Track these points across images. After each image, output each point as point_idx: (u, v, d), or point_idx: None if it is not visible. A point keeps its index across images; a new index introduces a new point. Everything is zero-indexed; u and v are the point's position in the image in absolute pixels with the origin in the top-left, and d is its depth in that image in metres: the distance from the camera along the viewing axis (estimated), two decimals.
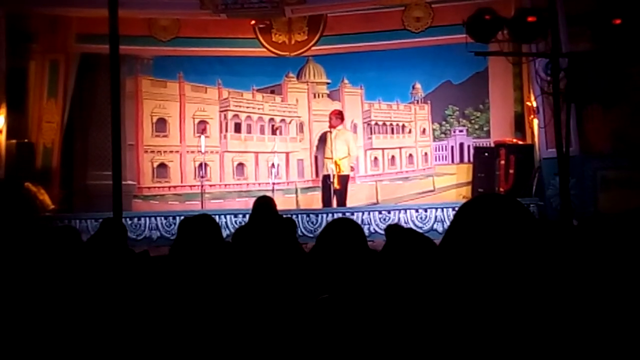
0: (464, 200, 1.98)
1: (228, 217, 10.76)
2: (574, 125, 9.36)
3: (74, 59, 12.70)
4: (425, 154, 13.55)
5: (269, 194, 9.11)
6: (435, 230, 10.42)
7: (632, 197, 9.27)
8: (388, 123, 13.77)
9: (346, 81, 13.62)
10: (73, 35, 12.62)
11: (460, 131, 13.19)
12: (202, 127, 13.30)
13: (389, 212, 10.89)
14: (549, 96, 9.04)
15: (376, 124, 13.71)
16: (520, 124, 12.22)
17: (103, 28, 8.46)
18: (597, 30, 8.50)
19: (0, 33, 11.26)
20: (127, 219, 9.84)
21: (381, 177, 13.61)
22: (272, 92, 13.84)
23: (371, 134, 13.69)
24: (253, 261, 4.62)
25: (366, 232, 9.13)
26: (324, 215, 10.61)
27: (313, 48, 13.26)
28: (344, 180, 11.81)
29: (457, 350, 1.53)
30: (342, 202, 11.72)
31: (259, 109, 13.76)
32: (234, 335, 2.89)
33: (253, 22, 12.90)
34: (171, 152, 13.49)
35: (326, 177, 11.88)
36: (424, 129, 13.56)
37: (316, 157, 13.49)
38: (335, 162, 11.64)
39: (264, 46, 13.24)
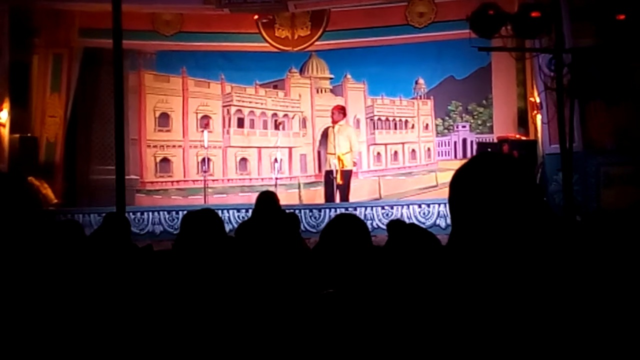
0: None
1: (231, 212, 10.76)
2: (577, 121, 9.34)
3: (77, 54, 12.71)
4: (428, 149, 13.54)
5: (271, 189, 9.11)
6: (438, 225, 10.41)
7: (635, 193, 9.26)
8: (391, 118, 13.77)
9: (349, 76, 13.61)
10: (76, 29, 12.62)
11: (464, 127, 13.17)
12: (205, 122, 13.31)
13: (392, 208, 10.88)
14: (553, 92, 9.03)
15: (379, 119, 13.71)
16: (523, 120, 12.20)
17: (106, 22, 8.48)
18: (601, 26, 8.50)
19: (3, 27, 11.27)
20: (130, 214, 9.85)
21: (384, 173, 13.60)
22: (275, 87, 13.83)
23: (374, 129, 13.68)
24: (256, 256, 4.62)
25: (369, 227, 9.13)
26: (327, 211, 10.60)
27: (316, 43, 13.25)
28: (347, 175, 11.81)
29: (461, 345, 1.53)
30: (344, 197, 11.73)
31: (261, 104, 13.76)
32: (237, 330, 2.90)
33: (256, 16, 12.89)
34: (174, 146, 13.50)
35: (329, 173, 11.88)
36: (427, 125, 13.54)
37: (319, 152, 13.49)
38: (338, 157, 11.65)
39: (267, 41, 13.23)
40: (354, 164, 12.36)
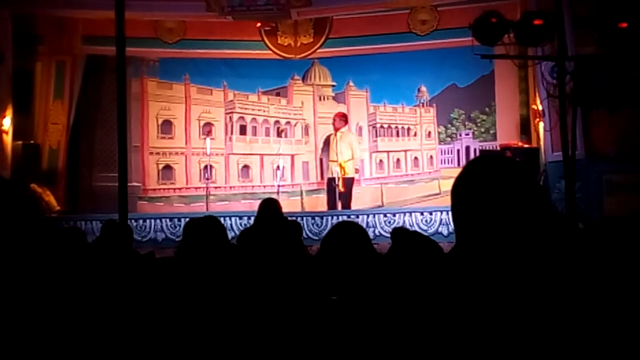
0: None
1: (233, 219, 10.77)
2: (580, 128, 9.33)
3: (80, 61, 12.75)
4: (431, 156, 13.54)
5: (274, 196, 9.11)
6: (440, 233, 10.41)
7: (637, 201, 9.24)
8: (393, 126, 13.77)
9: (352, 84, 13.63)
10: (79, 37, 12.67)
11: (467, 134, 13.17)
12: (207, 129, 13.32)
13: (394, 215, 10.89)
14: (555, 99, 9.03)
15: (381, 126, 13.71)
16: (526, 127, 12.19)
17: (109, 30, 8.50)
18: (603, 34, 8.50)
19: (7, 35, 11.30)
20: (133, 221, 9.85)
21: (386, 180, 13.60)
22: (278, 94, 13.85)
23: (376, 136, 13.69)
24: (258, 263, 4.62)
25: (371, 235, 9.11)
26: (329, 218, 10.60)
27: (319, 50, 13.27)
28: (349, 183, 11.82)
29: (466, 351, 1.53)
30: (347, 204, 11.72)
31: (264, 111, 13.77)
32: (240, 336, 2.89)
33: (259, 24, 12.91)
34: (176, 154, 13.50)
35: (331, 180, 11.88)
36: (430, 132, 13.55)
37: (321, 160, 13.48)
38: (340, 165, 11.65)
39: (270, 48, 13.25)
40: (356, 171, 12.37)
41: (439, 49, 12.66)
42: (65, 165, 12.48)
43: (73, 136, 12.72)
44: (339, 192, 11.56)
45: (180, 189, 13.45)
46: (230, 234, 9.00)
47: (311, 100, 13.75)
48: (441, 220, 10.60)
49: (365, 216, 10.79)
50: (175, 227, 10.94)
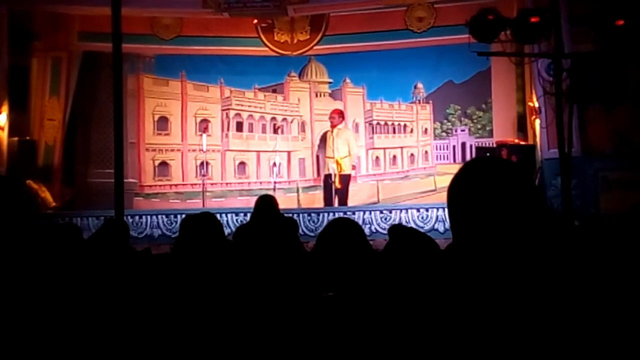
0: None
1: (229, 215, 10.77)
2: (576, 125, 9.34)
3: (76, 57, 12.71)
4: (426, 152, 13.55)
5: (270, 192, 9.11)
6: (437, 230, 10.42)
7: (633, 198, 9.25)
8: (390, 123, 13.77)
9: (348, 81, 13.62)
10: (75, 33, 12.64)
11: (462, 130, 13.18)
12: (203, 125, 13.30)
13: (390, 212, 10.89)
14: (551, 97, 9.04)
15: (378, 123, 13.71)
16: (522, 124, 12.21)
17: (105, 26, 8.49)
18: (600, 31, 8.49)
19: (2, 31, 11.26)
20: (129, 217, 9.85)
21: (383, 177, 13.61)
22: (274, 91, 13.84)
23: (373, 133, 13.68)
24: (254, 260, 4.62)
25: (367, 231, 9.14)
26: (325, 215, 10.60)
27: (315, 47, 13.26)
28: (346, 179, 11.82)
29: (462, 348, 1.53)
30: (343, 201, 11.73)
31: (260, 108, 13.76)
32: (236, 333, 2.90)
33: (255, 21, 12.91)
34: (173, 150, 13.49)
35: (327, 177, 11.88)
36: (426, 129, 13.56)
37: (317, 157, 13.48)
38: (337, 161, 11.66)
39: (266, 45, 13.24)
40: (353, 167, 12.37)
41: (435, 46, 12.66)
42: (61, 161, 12.46)
43: (69, 132, 12.69)
44: (335, 188, 11.56)
45: (176, 185, 13.43)
46: (226, 231, 9.02)
47: (307, 97, 13.74)
48: (437, 216, 10.61)
49: (361, 213, 10.80)
50: (172, 223, 10.93)
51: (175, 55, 13.33)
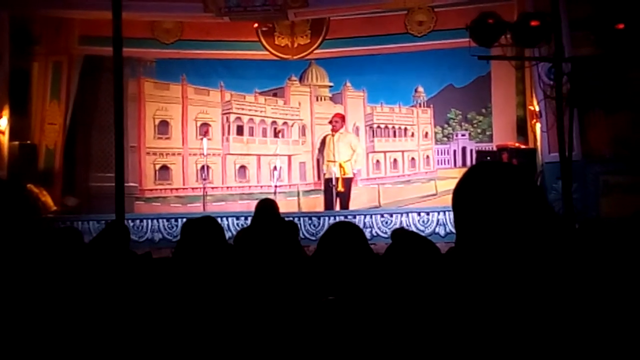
0: None
1: (230, 219, 10.76)
2: (577, 129, 9.35)
3: (77, 61, 12.74)
4: (427, 157, 13.55)
5: (271, 196, 9.11)
6: (437, 233, 10.42)
7: (633, 202, 9.26)
8: (390, 126, 13.78)
9: (349, 84, 13.63)
10: (76, 37, 12.67)
11: (463, 135, 13.19)
12: (204, 129, 13.32)
13: (391, 216, 10.90)
14: (552, 100, 9.05)
15: (378, 127, 13.72)
16: (522, 128, 12.20)
17: (106, 30, 8.49)
18: (600, 35, 8.51)
19: (4, 35, 11.28)
20: (129, 221, 9.85)
21: (383, 181, 13.60)
22: (275, 95, 13.85)
23: (373, 137, 13.69)
24: (255, 264, 4.62)
25: (368, 235, 9.14)
26: (326, 218, 10.60)
27: (316, 51, 13.28)
28: (348, 183, 11.84)
29: (463, 351, 1.53)
30: (345, 205, 11.73)
31: (261, 111, 13.78)
32: (237, 337, 2.90)
33: (256, 25, 12.92)
34: (173, 154, 13.49)
35: (328, 180, 11.88)
36: (427, 133, 13.56)
37: (318, 160, 13.48)
38: (340, 165, 11.67)
39: (267, 49, 13.26)
40: (357, 172, 12.37)
41: (436, 50, 12.67)
42: (61, 165, 12.46)
43: (70, 137, 12.70)
44: (337, 192, 11.57)
45: (177, 189, 13.44)
46: (227, 235, 9.01)
47: (308, 101, 13.75)
48: (438, 220, 10.61)
49: (362, 216, 10.80)
50: (172, 227, 10.94)
51: (175, 59, 13.34)
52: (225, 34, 12.93)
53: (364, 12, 12.58)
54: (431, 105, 13.40)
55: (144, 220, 11.18)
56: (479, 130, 13.10)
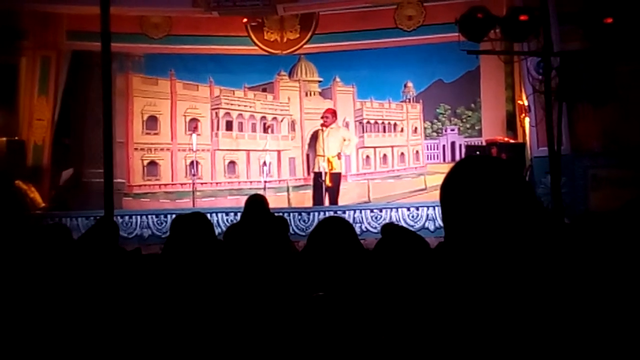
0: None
1: (219, 215, 10.75)
2: (565, 124, 9.38)
3: (65, 56, 12.67)
4: (417, 152, 13.56)
5: (260, 192, 9.09)
6: (427, 228, 10.43)
7: (622, 196, 9.29)
8: (380, 121, 13.78)
9: (338, 79, 13.62)
10: (64, 32, 12.60)
11: (452, 130, 13.20)
12: (193, 125, 13.27)
13: (381, 211, 10.90)
14: (541, 95, 9.06)
15: (368, 122, 13.72)
16: (511, 123, 12.23)
17: (94, 25, 8.46)
18: (589, 29, 8.53)
19: None
20: (118, 217, 9.81)
21: (373, 176, 13.61)
22: (264, 90, 13.82)
23: (363, 132, 13.69)
24: (245, 259, 4.61)
25: (358, 230, 9.14)
26: (316, 214, 10.60)
27: (305, 46, 13.25)
28: (336, 178, 11.83)
29: (453, 347, 1.53)
30: (334, 200, 11.73)
31: (250, 107, 13.74)
32: (227, 333, 2.89)
33: (245, 20, 12.88)
34: (162, 150, 13.45)
35: (317, 175, 11.88)
36: (416, 128, 13.57)
37: (308, 155, 13.48)
38: (328, 160, 11.65)
39: (256, 44, 13.23)
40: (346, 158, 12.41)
41: (425, 45, 12.67)
42: (50, 161, 12.40)
43: (58, 132, 12.63)
44: (326, 187, 11.56)
45: (165, 185, 13.40)
46: (216, 230, 9.00)
47: (297, 96, 13.73)
48: (427, 215, 10.63)
49: (352, 212, 10.80)
50: (161, 223, 10.91)
51: (164, 54, 13.29)
52: (214, 29, 12.89)
53: (354, 6, 12.57)
54: (420, 101, 13.41)
55: (133, 217, 11.13)
56: (468, 125, 13.12)
